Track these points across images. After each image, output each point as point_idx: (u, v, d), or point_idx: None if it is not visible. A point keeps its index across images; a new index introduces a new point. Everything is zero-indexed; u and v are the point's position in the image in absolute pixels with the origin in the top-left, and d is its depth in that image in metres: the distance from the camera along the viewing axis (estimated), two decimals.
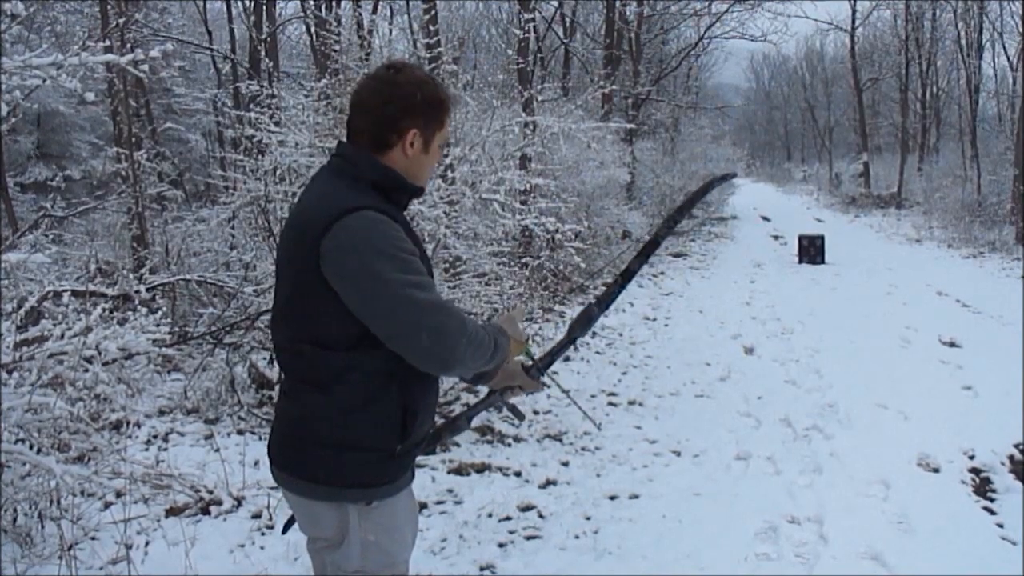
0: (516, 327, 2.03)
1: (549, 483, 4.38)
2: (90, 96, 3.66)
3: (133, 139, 8.79)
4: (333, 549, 1.90)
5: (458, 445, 4.84)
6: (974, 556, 3.55)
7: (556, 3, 17.85)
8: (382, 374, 1.80)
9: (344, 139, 1.93)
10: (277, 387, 4.22)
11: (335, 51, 6.64)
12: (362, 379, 1.80)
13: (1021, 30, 19.62)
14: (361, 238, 1.71)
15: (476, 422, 4.17)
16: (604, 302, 2.17)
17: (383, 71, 1.90)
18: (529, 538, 3.76)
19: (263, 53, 8.60)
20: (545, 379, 2.17)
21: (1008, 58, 23.75)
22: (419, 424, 1.88)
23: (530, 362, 2.12)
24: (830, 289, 11.00)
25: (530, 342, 2.03)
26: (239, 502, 4.01)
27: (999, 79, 26.22)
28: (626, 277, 2.17)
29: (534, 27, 11.84)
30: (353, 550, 1.86)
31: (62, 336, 3.55)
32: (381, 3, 14.64)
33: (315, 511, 1.90)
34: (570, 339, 2.23)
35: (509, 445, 4.94)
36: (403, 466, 1.90)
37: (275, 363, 4.11)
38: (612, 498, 4.18)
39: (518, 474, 4.49)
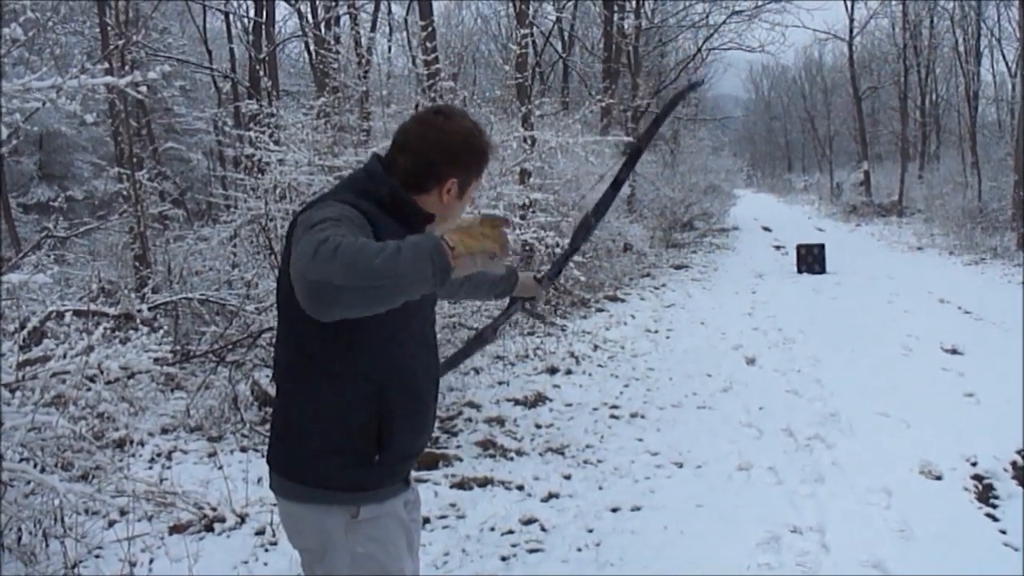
0: (459, 224, 1.67)
1: (551, 496, 4.38)
2: (90, 118, 3.70)
3: (134, 159, 8.87)
4: (318, 562, 1.89)
5: (460, 460, 4.86)
6: (976, 563, 3.54)
7: (554, 18, 17.97)
8: (355, 381, 1.80)
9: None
10: None
11: (334, 69, 6.70)
12: (333, 384, 1.79)
13: (1019, 36, 19.70)
14: (304, 217, 1.68)
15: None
16: (599, 212, 2.26)
17: (432, 116, 1.90)
18: (532, 551, 3.76)
19: (262, 72, 8.68)
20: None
21: (1007, 64, 23.92)
22: (397, 435, 1.86)
23: (540, 275, 2.35)
24: (831, 298, 11.00)
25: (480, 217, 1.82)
26: (242, 519, 4.02)
27: (998, 85, 26.38)
28: (616, 187, 2.29)
29: (532, 42, 11.92)
30: (341, 562, 1.85)
31: (64, 355, 3.58)
32: (379, 21, 14.76)
33: (296, 515, 1.89)
34: (573, 248, 2.33)
35: (511, 459, 4.94)
36: (388, 474, 1.89)
37: None
38: (614, 510, 4.18)
39: (520, 488, 4.49)
